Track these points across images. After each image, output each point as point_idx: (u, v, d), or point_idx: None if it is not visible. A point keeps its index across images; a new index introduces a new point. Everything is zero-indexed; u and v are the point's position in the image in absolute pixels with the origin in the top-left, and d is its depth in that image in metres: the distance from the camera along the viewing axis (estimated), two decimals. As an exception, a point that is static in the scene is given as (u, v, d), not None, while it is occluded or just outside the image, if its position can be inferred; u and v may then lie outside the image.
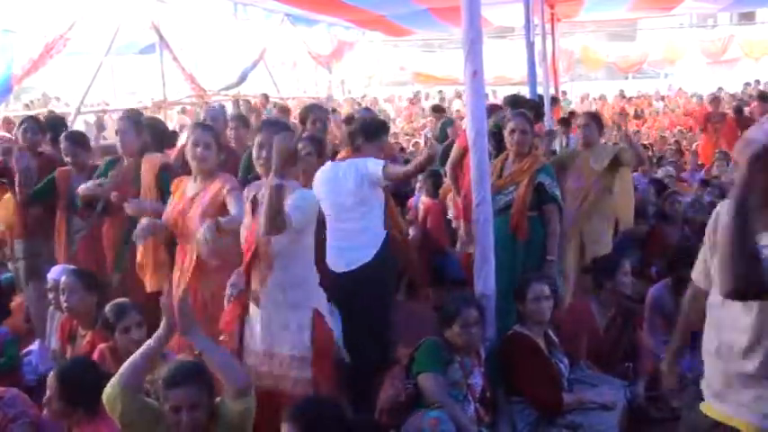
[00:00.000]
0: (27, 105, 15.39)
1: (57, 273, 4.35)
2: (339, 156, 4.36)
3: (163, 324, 2.91)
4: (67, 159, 5.01)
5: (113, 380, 2.83)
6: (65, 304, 4.07)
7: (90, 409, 3.07)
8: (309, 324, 3.33)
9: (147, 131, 4.90)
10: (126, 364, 2.87)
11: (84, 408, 3.08)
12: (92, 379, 3.11)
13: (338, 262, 4.11)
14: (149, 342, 2.93)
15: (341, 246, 4.14)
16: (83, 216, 4.91)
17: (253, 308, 3.38)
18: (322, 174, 4.29)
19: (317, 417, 2.74)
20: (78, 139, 5.20)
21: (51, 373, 3.20)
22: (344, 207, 4.10)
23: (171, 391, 2.76)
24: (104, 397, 2.83)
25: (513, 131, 4.72)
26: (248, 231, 3.33)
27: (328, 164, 4.32)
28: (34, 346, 4.75)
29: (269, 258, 3.23)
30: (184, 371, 2.81)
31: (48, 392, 3.14)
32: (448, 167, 6.40)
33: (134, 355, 2.90)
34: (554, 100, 10.95)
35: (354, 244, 4.10)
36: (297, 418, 2.70)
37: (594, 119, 5.71)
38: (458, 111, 16.83)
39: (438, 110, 12.51)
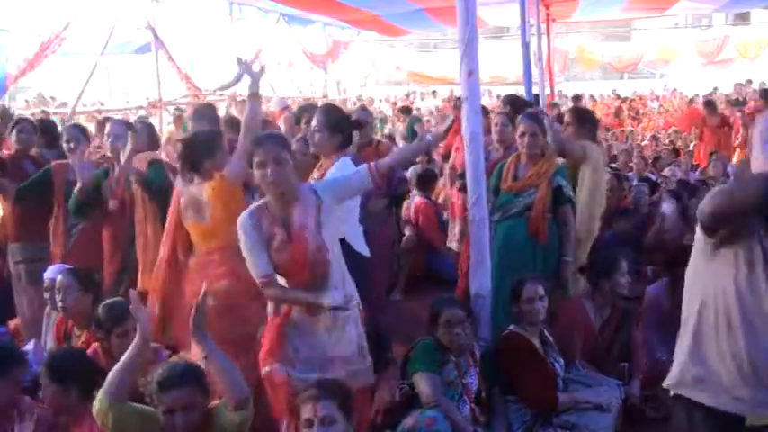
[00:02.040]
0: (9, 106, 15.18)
1: (53, 272, 4.35)
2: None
3: (138, 331, 2.87)
4: (70, 145, 5.02)
5: (100, 394, 2.82)
6: (60, 304, 4.06)
7: (82, 396, 3.09)
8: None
9: (142, 135, 4.94)
10: (109, 377, 2.85)
11: (77, 392, 3.11)
12: (80, 362, 3.18)
13: None
14: (128, 352, 2.88)
15: None
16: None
17: (311, 322, 3.19)
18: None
19: (347, 393, 2.84)
20: (82, 129, 5.43)
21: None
22: None
23: (164, 393, 2.76)
24: (94, 411, 2.82)
25: (523, 134, 4.66)
26: (292, 256, 3.12)
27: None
28: (30, 346, 4.72)
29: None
30: (177, 372, 2.80)
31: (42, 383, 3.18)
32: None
33: (115, 367, 2.87)
34: (552, 105, 10.93)
35: None
36: (331, 394, 2.75)
37: (578, 118, 5.67)
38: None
39: (405, 111, 12.86)
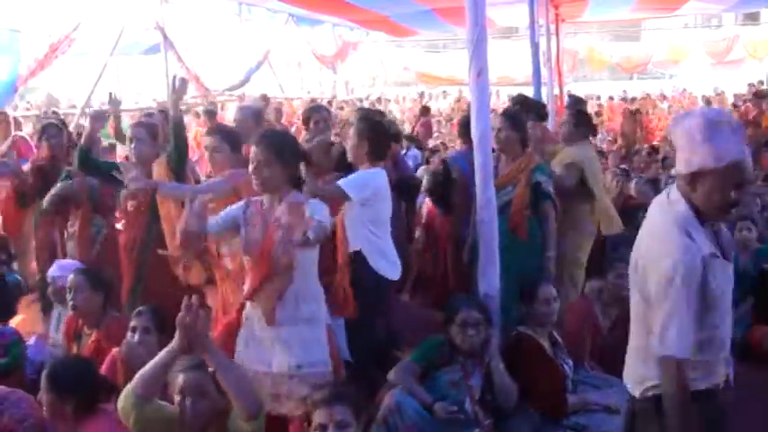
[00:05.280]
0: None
1: (55, 270, 4.42)
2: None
3: (176, 337, 2.83)
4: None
5: (127, 389, 2.82)
6: (70, 302, 4.06)
7: (80, 407, 3.06)
8: (326, 340, 3.31)
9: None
10: (138, 374, 2.85)
11: (75, 403, 3.06)
12: (82, 373, 3.13)
13: None
14: (161, 354, 2.86)
15: None
16: (105, 215, 5.03)
17: (260, 328, 3.27)
18: None
19: (359, 397, 2.82)
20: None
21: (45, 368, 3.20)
22: None
23: (180, 374, 2.82)
24: (119, 406, 2.83)
25: (494, 130, 4.68)
26: (259, 246, 3.16)
27: None
28: (31, 341, 4.75)
29: (290, 270, 3.14)
30: (196, 358, 2.85)
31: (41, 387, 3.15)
32: None
33: (146, 365, 2.86)
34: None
35: None
36: (345, 398, 2.71)
37: (577, 117, 5.66)
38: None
39: (423, 111, 12.94)
